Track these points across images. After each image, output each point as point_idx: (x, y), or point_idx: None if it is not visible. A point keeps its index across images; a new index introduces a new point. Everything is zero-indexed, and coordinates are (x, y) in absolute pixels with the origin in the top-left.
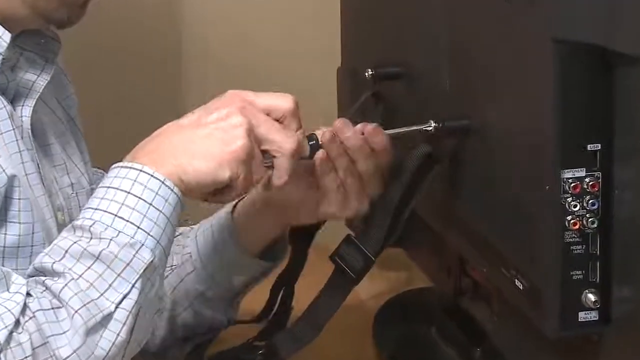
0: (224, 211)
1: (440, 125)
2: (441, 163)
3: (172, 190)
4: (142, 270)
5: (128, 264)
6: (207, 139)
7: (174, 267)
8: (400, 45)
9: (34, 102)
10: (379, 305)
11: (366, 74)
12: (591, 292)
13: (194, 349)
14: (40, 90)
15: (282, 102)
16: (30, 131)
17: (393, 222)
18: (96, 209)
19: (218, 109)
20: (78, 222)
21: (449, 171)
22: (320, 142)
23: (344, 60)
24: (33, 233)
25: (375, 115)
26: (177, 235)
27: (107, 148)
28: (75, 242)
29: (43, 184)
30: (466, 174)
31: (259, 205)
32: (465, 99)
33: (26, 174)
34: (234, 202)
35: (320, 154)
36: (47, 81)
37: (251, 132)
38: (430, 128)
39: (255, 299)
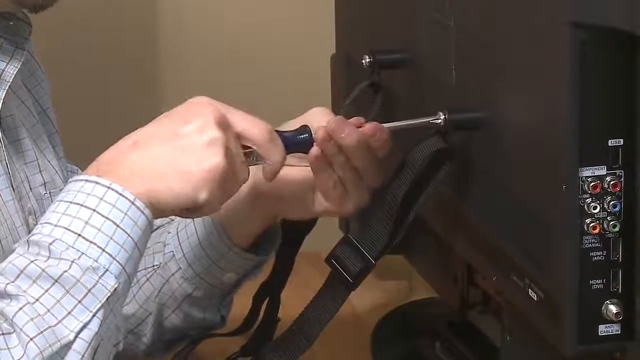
0: None
1: (448, 118)
2: (451, 160)
3: (142, 212)
4: (105, 299)
5: (90, 290)
6: (181, 155)
7: (155, 267)
8: (402, 29)
9: (3, 93)
10: (378, 318)
11: (363, 61)
12: (612, 303)
13: (181, 350)
14: (11, 80)
15: (257, 132)
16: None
17: (397, 224)
18: (56, 225)
19: (193, 117)
20: (34, 238)
21: (455, 170)
22: (313, 137)
23: (338, 47)
24: None
25: (373, 107)
26: (155, 229)
27: (81, 141)
28: (32, 262)
29: (12, 186)
30: (474, 173)
31: (246, 197)
32: (473, 90)
33: None
34: None
35: (314, 150)
36: (17, 69)
37: (228, 148)
38: (439, 121)
39: (235, 309)
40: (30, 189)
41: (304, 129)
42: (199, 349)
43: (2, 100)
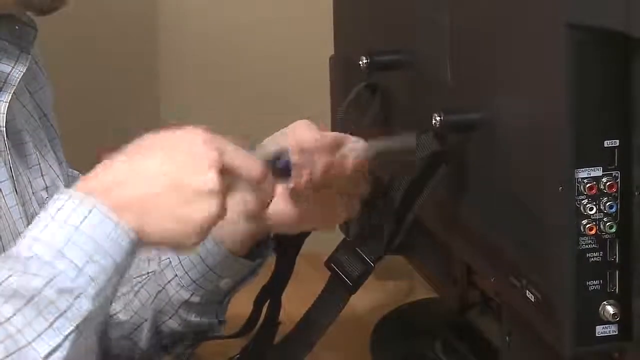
0: None
1: (444, 119)
2: (448, 162)
3: (127, 234)
4: (78, 322)
5: (62, 314)
6: (183, 206)
7: (150, 273)
8: (398, 31)
9: (9, 97)
10: (378, 319)
11: (360, 63)
12: (610, 304)
13: (182, 352)
14: (16, 84)
15: (254, 176)
16: (4, 130)
17: (395, 226)
18: (36, 238)
19: (199, 164)
20: (14, 251)
21: (453, 171)
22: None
23: (337, 48)
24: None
25: (370, 109)
26: None
27: (82, 147)
28: (6, 278)
29: (16, 191)
30: (471, 174)
31: (236, 215)
32: (470, 92)
33: None
34: None
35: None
36: (22, 73)
37: (224, 196)
38: (436, 122)
39: (236, 312)
40: (33, 192)
41: (282, 154)
42: (199, 351)
43: (7, 104)
